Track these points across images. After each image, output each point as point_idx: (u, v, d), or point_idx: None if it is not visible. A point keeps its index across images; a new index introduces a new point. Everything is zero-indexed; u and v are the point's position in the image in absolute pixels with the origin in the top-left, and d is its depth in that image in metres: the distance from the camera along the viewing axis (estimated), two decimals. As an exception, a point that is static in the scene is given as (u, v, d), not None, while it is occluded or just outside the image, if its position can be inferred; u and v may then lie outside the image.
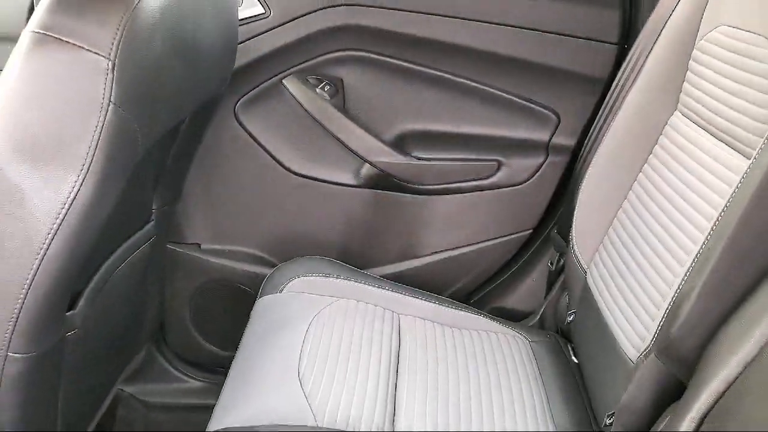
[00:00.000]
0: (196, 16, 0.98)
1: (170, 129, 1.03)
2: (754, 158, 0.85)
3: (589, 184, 1.27)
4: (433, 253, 1.54)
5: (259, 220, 1.55)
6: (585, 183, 1.28)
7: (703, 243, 0.88)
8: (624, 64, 1.29)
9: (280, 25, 1.41)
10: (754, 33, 0.94)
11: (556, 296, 1.41)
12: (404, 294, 1.35)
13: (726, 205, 0.86)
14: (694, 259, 0.89)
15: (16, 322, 0.80)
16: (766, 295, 0.78)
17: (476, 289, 1.57)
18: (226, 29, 1.16)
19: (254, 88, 1.46)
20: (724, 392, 0.77)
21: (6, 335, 0.80)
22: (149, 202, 1.21)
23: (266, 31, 1.41)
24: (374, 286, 1.34)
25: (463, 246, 1.53)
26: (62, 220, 0.78)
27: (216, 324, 1.59)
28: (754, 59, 0.93)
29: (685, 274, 0.89)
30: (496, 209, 1.50)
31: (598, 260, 1.19)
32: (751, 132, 0.90)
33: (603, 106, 1.32)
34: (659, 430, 0.85)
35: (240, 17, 1.36)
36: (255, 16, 1.41)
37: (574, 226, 1.27)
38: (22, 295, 0.79)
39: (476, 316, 1.34)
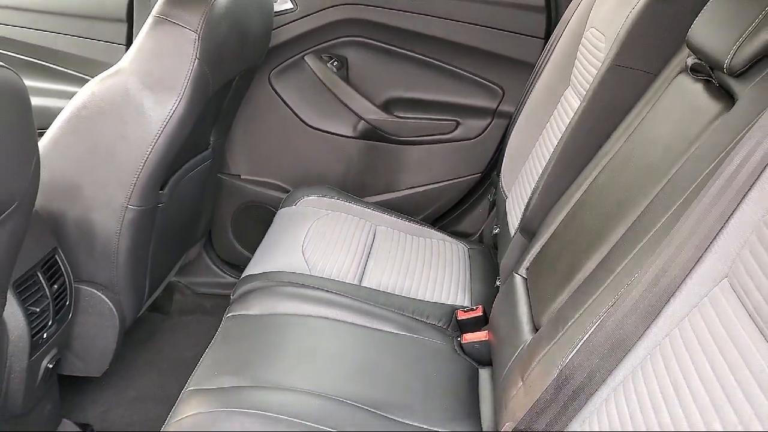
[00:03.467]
0: (247, 11, 1.54)
1: (226, 82, 1.59)
2: (580, 101, 1.36)
3: (514, 137, 1.80)
4: (406, 188, 2.05)
5: (283, 159, 2.07)
6: (512, 136, 1.80)
7: (550, 159, 1.41)
8: (542, 53, 1.80)
9: (303, 17, 1.94)
10: (600, 32, 1.46)
11: (491, 220, 1.93)
12: (382, 213, 1.88)
13: (563, 133, 1.38)
14: (543, 169, 1.41)
15: (135, 185, 1.37)
16: (573, 190, 1.31)
17: (439, 217, 2.08)
18: (265, 19, 1.72)
19: (283, 62, 1.99)
20: (545, 243, 1.30)
21: (129, 191, 1.36)
22: (209, 134, 1.77)
23: (293, 21, 1.94)
24: (361, 206, 1.87)
25: (430, 184, 2.03)
26: (165, 125, 1.34)
27: (249, 235, 2.10)
28: (596, 48, 1.45)
29: (537, 179, 1.41)
30: (454, 157, 2.00)
31: (513, 187, 1.72)
32: (583, 86, 1.41)
33: (528, 83, 1.84)
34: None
35: (275, 10, 1.90)
36: (286, 10, 1.94)
37: (502, 166, 1.80)
38: (139, 168, 1.36)
39: (433, 230, 1.87)
